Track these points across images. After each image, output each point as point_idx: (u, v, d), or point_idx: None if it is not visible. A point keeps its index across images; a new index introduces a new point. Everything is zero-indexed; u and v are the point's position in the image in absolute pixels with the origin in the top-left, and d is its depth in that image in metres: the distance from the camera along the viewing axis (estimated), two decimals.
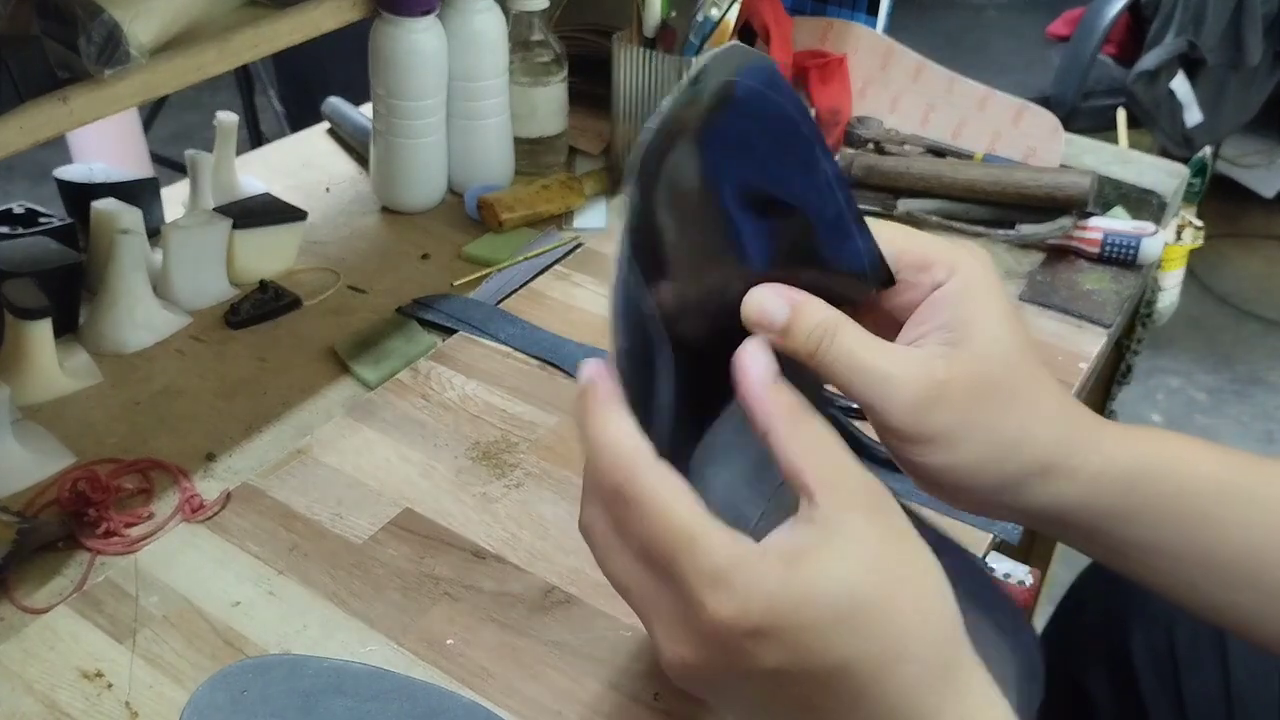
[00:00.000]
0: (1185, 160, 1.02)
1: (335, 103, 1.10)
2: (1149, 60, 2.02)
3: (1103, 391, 1.08)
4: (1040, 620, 0.90)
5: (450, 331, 0.81)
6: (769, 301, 0.41)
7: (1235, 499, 0.44)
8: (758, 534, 0.37)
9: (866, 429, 0.67)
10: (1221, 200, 2.52)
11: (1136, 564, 0.46)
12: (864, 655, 0.36)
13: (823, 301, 0.42)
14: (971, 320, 0.42)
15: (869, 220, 0.43)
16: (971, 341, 0.42)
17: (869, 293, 0.44)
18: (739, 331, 0.41)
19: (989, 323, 0.43)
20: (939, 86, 1.01)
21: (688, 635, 0.38)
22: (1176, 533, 0.44)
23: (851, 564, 0.36)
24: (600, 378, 0.39)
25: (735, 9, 0.94)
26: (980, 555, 0.63)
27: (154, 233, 0.86)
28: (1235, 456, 0.46)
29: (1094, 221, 0.90)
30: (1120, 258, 0.89)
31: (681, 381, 0.40)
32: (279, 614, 0.58)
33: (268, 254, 0.87)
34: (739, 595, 0.36)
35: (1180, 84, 2.07)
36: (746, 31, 1.02)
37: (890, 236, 0.44)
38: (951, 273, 0.43)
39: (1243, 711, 0.67)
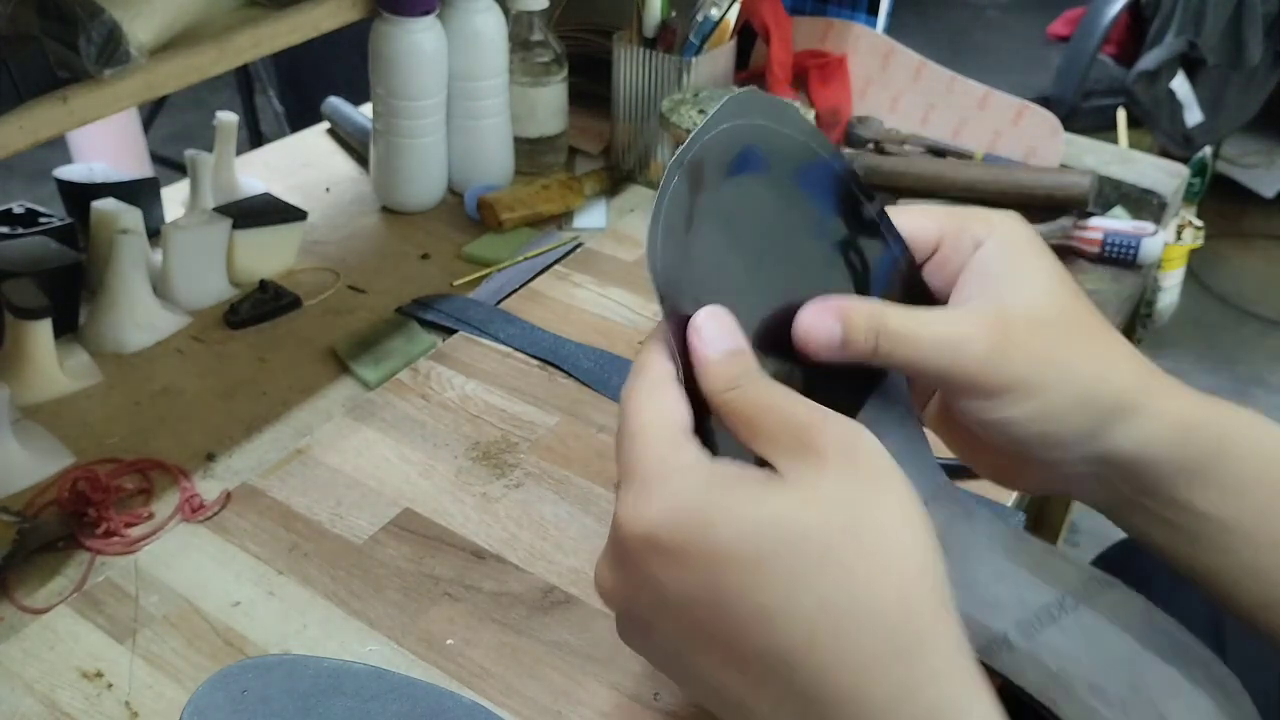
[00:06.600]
0: (1185, 160, 1.03)
1: (335, 103, 1.11)
2: (1149, 60, 2.02)
3: None
4: None
5: (450, 331, 0.81)
6: (818, 324, 0.39)
7: None
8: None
9: None
10: (1221, 200, 2.51)
11: (1205, 546, 0.42)
12: (792, 608, 0.32)
13: (859, 296, 0.41)
14: (1021, 267, 0.42)
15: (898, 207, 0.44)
16: (1025, 285, 0.41)
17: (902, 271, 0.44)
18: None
19: (1040, 267, 0.42)
20: (939, 86, 1.01)
21: (609, 546, 0.34)
22: (1255, 503, 0.41)
23: (792, 501, 0.33)
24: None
25: (735, 9, 0.94)
26: None
27: (154, 233, 0.86)
28: None
29: (1094, 221, 0.90)
30: (1120, 258, 0.89)
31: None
32: (279, 614, 0.58)
33: (268, 254, 0.87)
34: (653, 501, 0.32)
35: (1180, 84, 2.06)
36: (746, 31, 1.02)
37: (926, 212, 0.44)
38: (990, 231, 0.42)
39: None
